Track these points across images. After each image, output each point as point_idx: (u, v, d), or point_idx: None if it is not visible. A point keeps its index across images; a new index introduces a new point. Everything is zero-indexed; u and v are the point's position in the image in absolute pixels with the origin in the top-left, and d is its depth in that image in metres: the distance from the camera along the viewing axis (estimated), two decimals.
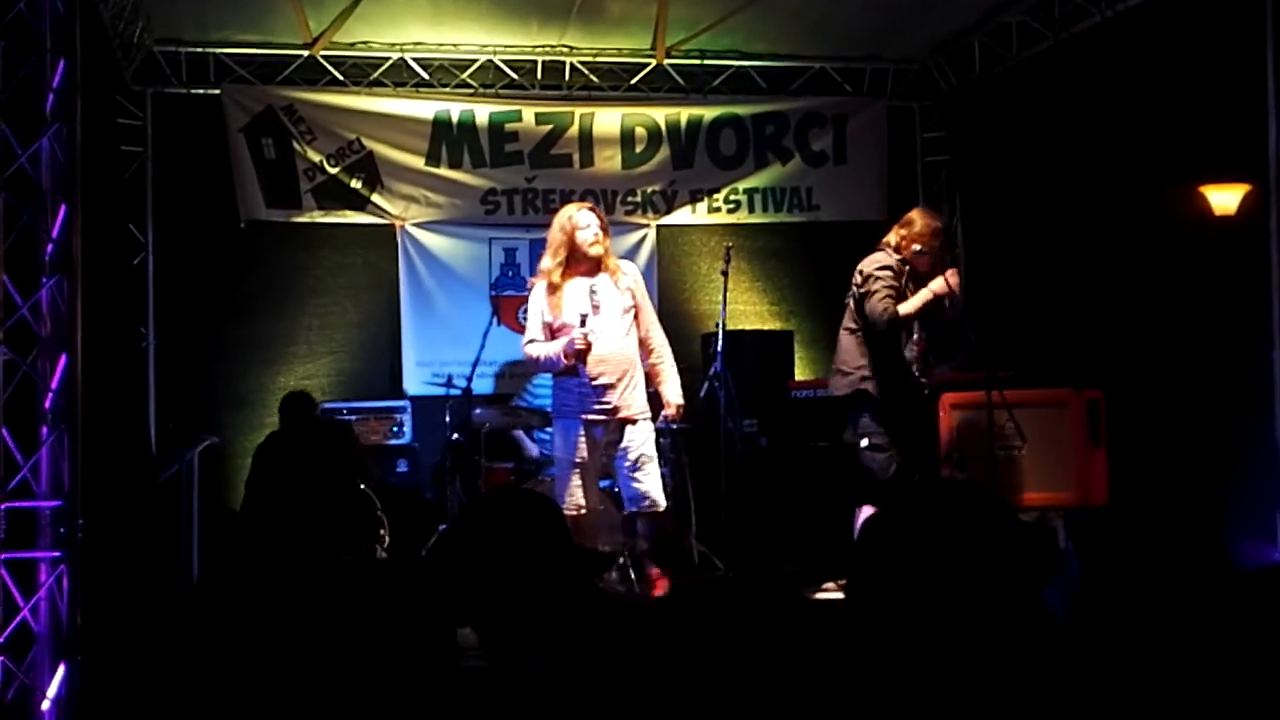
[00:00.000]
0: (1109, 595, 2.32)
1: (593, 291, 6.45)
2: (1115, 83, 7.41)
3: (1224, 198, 6.77)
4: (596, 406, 6.41)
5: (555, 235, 6.56)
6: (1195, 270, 6.88)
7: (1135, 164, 7.22)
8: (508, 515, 2.38)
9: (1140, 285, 7.24)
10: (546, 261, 6.58)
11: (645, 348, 6.65)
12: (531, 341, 6.57)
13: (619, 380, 6.44)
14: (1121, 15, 7.34)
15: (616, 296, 6.50)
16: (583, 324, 6.33)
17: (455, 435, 7.78)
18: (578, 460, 6.43)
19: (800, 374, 8.95)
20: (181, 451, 7.30)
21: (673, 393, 6.66)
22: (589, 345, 6.35)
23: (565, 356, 6.36)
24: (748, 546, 7.11)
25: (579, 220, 6.49)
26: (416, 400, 8.62)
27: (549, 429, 7.36)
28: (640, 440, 6.48)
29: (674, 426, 7.01)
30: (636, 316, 6.59)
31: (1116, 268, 7.41)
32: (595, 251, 6.45)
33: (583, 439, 6.43)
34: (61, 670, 4.78)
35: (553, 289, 6.49)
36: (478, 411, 7.76)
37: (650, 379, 6.72)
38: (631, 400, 6.49)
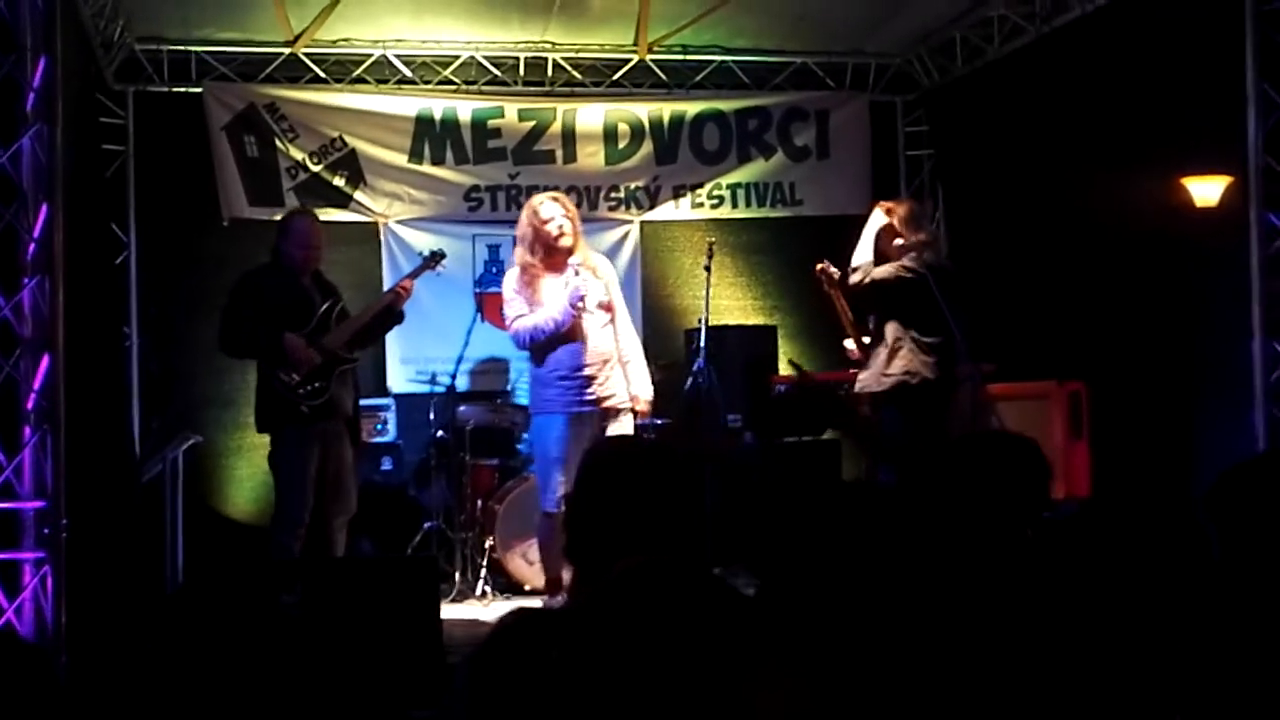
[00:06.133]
0: (1091, 586, 2.33)
1: (575, 272, 6.33)
2: (1097, 75, 7.43)
3: (1205, 189, 6.80)
4: (581, 399, 6.32)
5: (524, 229, 6.46)
6: (1177, 261, 6.92)
7: (1117, 156, 7.24)
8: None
9: (1122, 277, 7.27)
10: (520, 254, 6.50)
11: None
12: (520, 317, 6.36)
13: (600, 370, 6.37)
14: (1102, 9, 7.35)
15: (596, 285, 6.43)
16: (577, 274, 6.27)
17: (440, 433, 7.77)
18: (560, 457, 6.29)
19: (784, 369, 8.95)
20: (164, 450, 7.28)
21: (640, 387, 6.54)
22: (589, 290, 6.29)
23: (573, 306, 6.24)
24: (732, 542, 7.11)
25: (543, 213, 6.37)
26: (400, 398, 8.58)
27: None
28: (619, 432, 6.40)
29: (643, 422, 6.79)
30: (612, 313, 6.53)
31: (1099, 259, 7.44)
32: (564, 243, 6.34)
33: (566, 435, 6.33)
34: None
35: (530, 280, 6.40)
36: (462, 409, 7.74)
37: None
38: (615, 389, 6.41)
